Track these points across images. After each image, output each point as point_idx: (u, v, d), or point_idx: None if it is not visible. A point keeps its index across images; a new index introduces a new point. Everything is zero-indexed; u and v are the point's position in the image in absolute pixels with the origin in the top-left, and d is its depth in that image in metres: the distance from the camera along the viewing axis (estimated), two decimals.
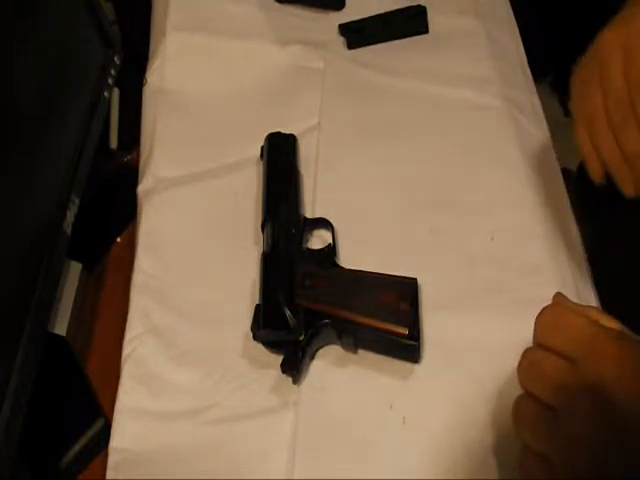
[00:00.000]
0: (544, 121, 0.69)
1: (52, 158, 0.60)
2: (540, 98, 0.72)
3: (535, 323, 0.43)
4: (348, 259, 0.58)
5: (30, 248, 0.56)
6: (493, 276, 0.58)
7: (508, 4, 0.80)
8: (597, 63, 0.52)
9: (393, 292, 0.54)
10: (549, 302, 0.45)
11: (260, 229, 0.61)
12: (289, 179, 0.63)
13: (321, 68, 0.74)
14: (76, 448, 0.60)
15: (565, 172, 0.68)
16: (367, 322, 0.52)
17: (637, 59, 0.48)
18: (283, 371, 0.52)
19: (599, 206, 0.68)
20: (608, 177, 0.51)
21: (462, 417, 0.49)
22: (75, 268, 0.64)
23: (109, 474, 0.51)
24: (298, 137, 0.67)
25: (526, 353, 0.42)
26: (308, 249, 0.59)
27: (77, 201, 0.62)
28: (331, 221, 0.60)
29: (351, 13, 0.78)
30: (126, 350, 0.57)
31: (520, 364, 0.42)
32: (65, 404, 0.62)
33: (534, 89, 0.73)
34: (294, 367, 0.52)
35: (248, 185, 0.66)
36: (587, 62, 0.54)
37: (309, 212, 0.63)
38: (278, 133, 0.66)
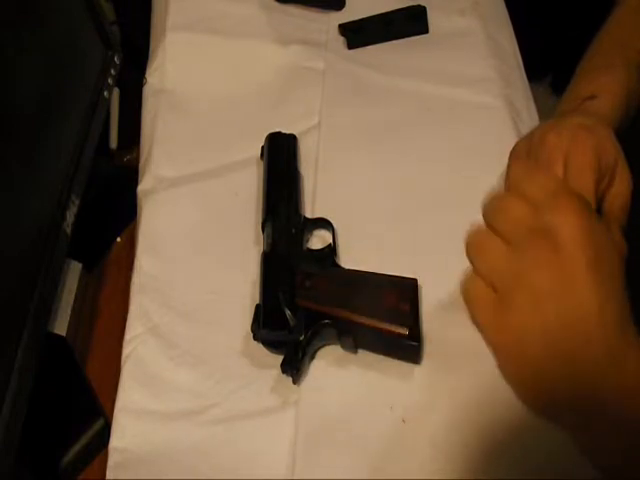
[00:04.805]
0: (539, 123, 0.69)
1: (52, 158, 0.60)
2: (540, 98, 0.72)
3: (512, 170, 0.43)
4: (348, 259, 0.57)
5: (30, 248, 0.56)
6: None
7: (504, 8, 0.80)
8: (538, 153, 0.55)
9: (393, 292, 0.54)
10: None
11: (260, 229, 0.61)
12: (289, 179, 0.63)
13: (321, 68, 0.74)
14: (76, 448, 0.60)
15: None
16: (367, 322, 0.52)
17: (572, 170, 0.52)
18: (283, 371, 0.52)
19: None
20: None
21: (462, 417, 0.49)
22: (75, 268, 0.63)
23: (109, 474, 0.51)
24: (298, 137, 0.67)
25: (497, 196, 0.42)
26: (308, 249, 0.59)
27: (77, 201, 0.62)
28: (331, 221, 0.60)
29: (351, 13, 0.78)
30: (126, 350, 0.57)
31: (490, 204, 0.42)
32: (65, 404, 0.62)
33: (530, 93, 0.73)
34: (294, 367, 0.52)
35: (248, 185, 0.66)
36: (528, 143, 0.57)
37: (309, 212, 0.63)
38: (278, 133, 0.66)
